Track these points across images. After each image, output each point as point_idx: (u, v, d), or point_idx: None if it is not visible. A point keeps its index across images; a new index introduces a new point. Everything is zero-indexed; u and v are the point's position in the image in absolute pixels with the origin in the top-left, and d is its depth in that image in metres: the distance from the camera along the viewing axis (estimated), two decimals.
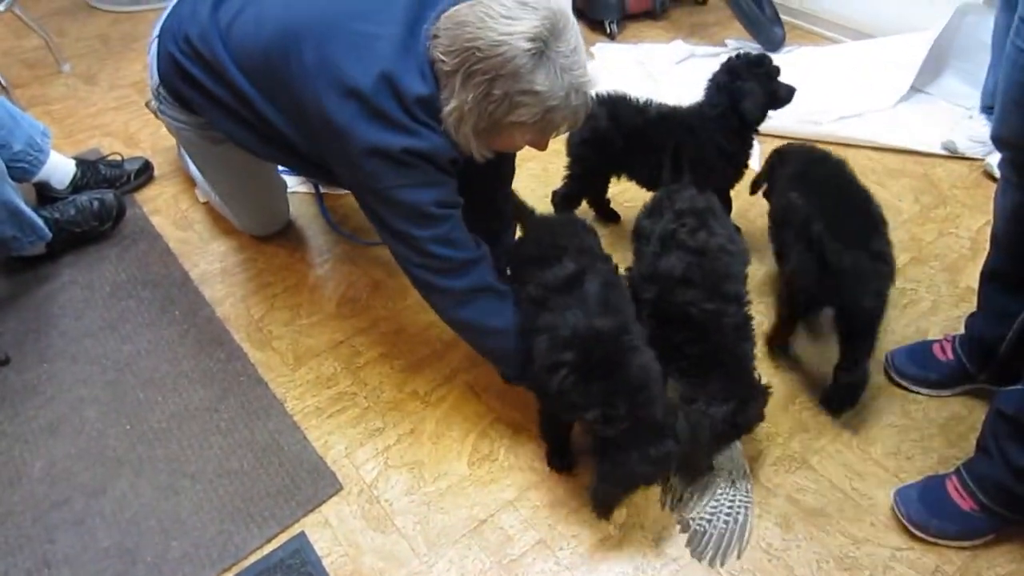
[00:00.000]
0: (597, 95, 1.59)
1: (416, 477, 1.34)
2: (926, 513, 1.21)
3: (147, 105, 1.55)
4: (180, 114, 1.50)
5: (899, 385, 1.45)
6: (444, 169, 1.18)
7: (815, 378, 1.47)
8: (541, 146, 1.24)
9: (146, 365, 1.56)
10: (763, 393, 1.24)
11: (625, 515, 1.26)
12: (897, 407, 1.41)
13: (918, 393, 1.43)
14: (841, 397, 1.37)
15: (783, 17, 2.50)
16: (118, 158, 2.05)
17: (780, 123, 2.10)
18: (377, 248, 1.82)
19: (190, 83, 1.36)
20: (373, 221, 1.25)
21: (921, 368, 1.43)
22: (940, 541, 1.20)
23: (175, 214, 1.96)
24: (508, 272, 1.39)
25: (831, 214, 1.32)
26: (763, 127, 2.10)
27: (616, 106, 1.61)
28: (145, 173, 2.06)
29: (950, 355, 1.41)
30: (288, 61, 1.17)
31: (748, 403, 1.21)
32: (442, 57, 1.10)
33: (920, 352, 1.45)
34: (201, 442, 1.41)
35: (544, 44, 1.05)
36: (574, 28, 1.09)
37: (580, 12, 2.68)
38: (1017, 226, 1.21)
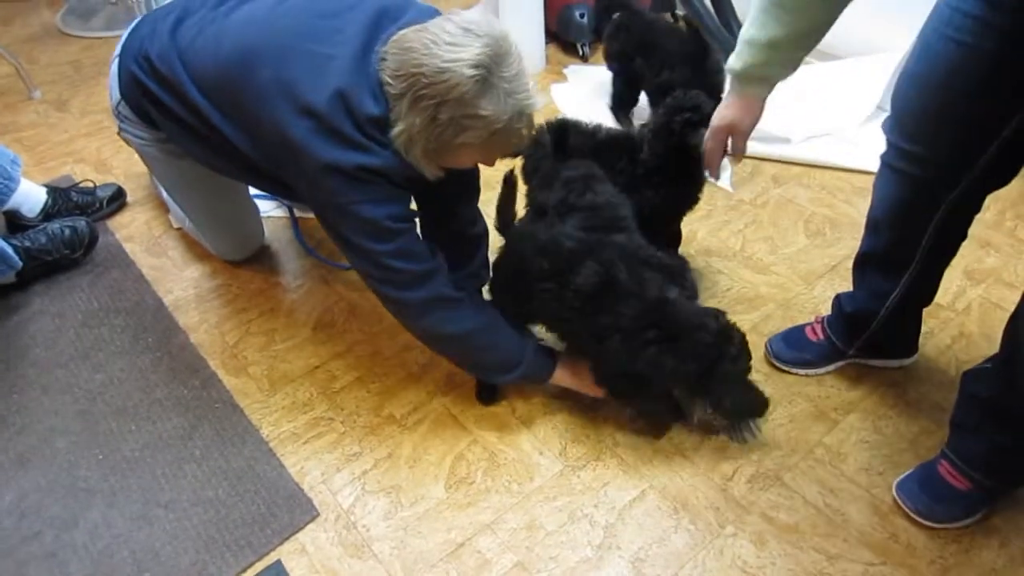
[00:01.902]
0: (547, 121, 1.65)
1: (393, 502, 1.34)
2: (931, 502, 1.25)
3: (119, 133, 1.56)
4: (141, 131, 1.52)
5: (779, 369, 1.53)
6: (399, 185, 1.21)
7: (787, 395, 1.49)
8: (489, 164, 1.29)
9: (118, 394, 1.54)
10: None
11: (602, 536, 1.27)
12: (869, 424, 1.43)
13: (796, 374, 1.52)
14: None
15: None
16: (90, 185, 2.03)
17: (750, 144, 2.14)
18: (353, 272, 1.82)
19: (150, 99, 1.39)
20: (333, 238, 1.28)
21: (796, 351, 1.52)
22: (949, 525, 1.25)
23: (148, 240, 1.95)
24: (494, 287, 1.41)
25: None
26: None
27: (565, 131, 1.65)
28: (118, 200, 2.05)
29: (821, 336, 1.50)
30: (245, 80, 1.19)
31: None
32: (390, 80, 1.13)
33: (794, 336, 1.54)
34: (175, 471, 1.40)
35: (487, 71, 1.08)
36: (516, 53, 1.12)
37: (553, 34, 2.72)
38: (895, 213, 1.25)
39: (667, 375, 1.26)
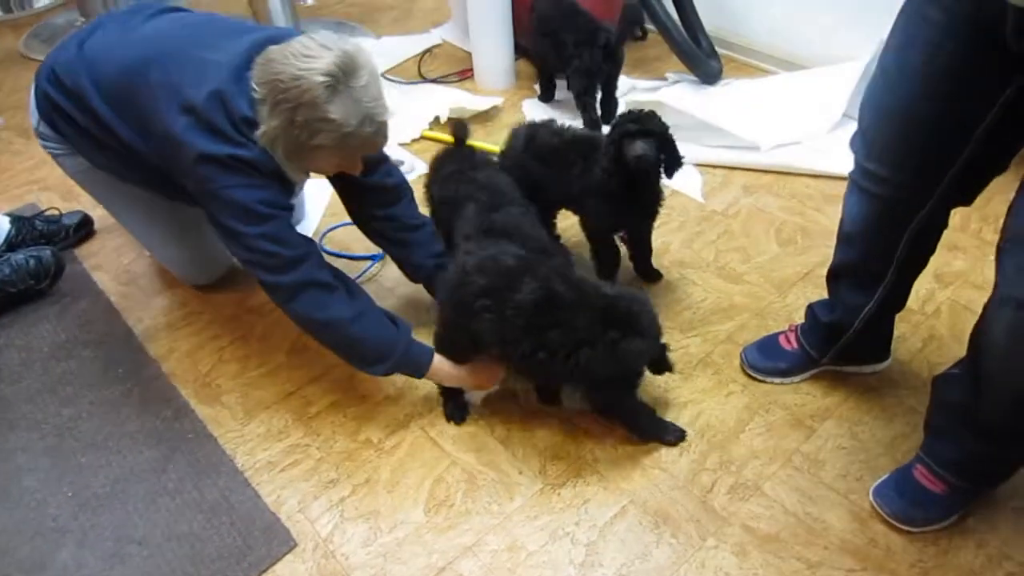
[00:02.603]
0: (521, 124, 1.75)
1: (372, 528, 1.32)
2: (909, 507, 1.26)
3: (52, 156, 1.60)
4: (62, 148, 1.56)
5: (752, 378, 1.54)
6: (269, 176, 1.30)
7: (764, 404, 1.49)
8: (352, 170, 1.39)
9: (88, 428, 1.51)
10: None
11: (584, 554, 1.26)
12: (846, 430, 1.44)
13: (771, 383, 1.53)
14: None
15: (719, 50, 2.58)
16: (56, 213, 2.00)
17: (718, 154, 2.17)
18: None
19: (60, 114, 1.46)
20: (215, 228, 1.35)
21: (770, 360, 1.54)
22: (926, 529, 1.26)
23: (117, 268, 1.92)
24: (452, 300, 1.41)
25: None
26: (704, 158, 2.18)
27: (536, 130, 1.71)
28: (85, 227, 2.02)
29: (795, 344, 1.52)
30: (141, 82, 1.31)
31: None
32: (255, 87, 1.25)
33: (768, 345, 1.55)
34: (148, 505, 1.37)
35: (336, 79, 1.19)
36: (368, 66, 1.25)
37: (523, 49, 2.72)
38: (865, 229, 1.26)
39: (642, 359, 1.33)
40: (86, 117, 1.41)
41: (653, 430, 1.43)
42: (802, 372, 1.52)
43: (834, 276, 1.41)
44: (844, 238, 1.34)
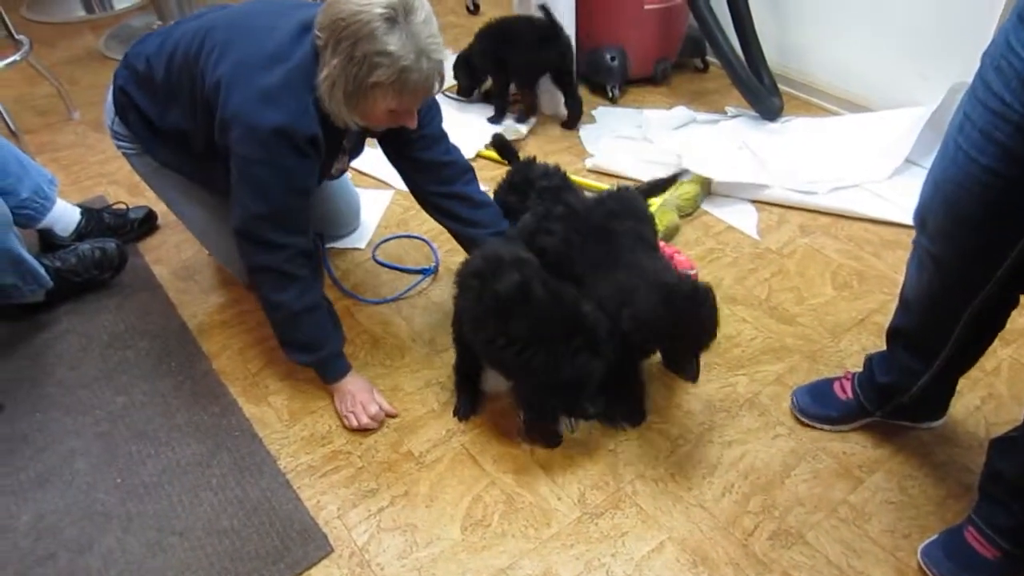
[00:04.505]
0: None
1: (409, 541, 1.32)
2: (958, 570, 1.22)
3: (123, 153, 1.69)
4: (133, 146, 1.63)
5: (802, 423, 1.50)
6: (301, 150, 1.33)
7: (812, 450, 1.46)
8: (408, 121, 1.41)
9: (139, 418, 1.55)
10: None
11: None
12: (895, 484, 1.40)
13: (819, 430, 1.49)
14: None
15: (782, 87, 2.56)
16: (123, 207, 2.07)
17: (777, 193, 2.15)
18: (377, 306, 1.84)
19: (132, 107, 1.54)
20: (231, 188, 1.39)
21: (822, 407, 1.49)
22: None
23: (177, 264, 1.97)
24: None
25: None
26: (761, 196, 2.16)
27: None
28: (148, 222, 2.08)
29: (849, 394, 1.47)
30: (200, 48, 1.37)
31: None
32: (319, 34, 1.29)
33: (822, 391, 1.51)
34: (191, 498, 1.40)
35: (395, 12, 1.24)
36: (425, 7, 1.28)
37: (584, 76, 2.75)
38: (924, 301, 1.23)
39: (594, 379, 1.34)
40: (152, 104, 1.50)
41: (543, 435, 1.48)
42: (853, 422, 1.48)
43: (893, 335, 1.37)
44: (904, 302, 1.31)
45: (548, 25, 2.35)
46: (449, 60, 2.53)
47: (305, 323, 1.48)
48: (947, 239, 1.11)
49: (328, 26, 1.26)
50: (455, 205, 1.61)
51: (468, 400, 1.55)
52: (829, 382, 1.52)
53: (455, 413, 1.55)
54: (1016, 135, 0.94)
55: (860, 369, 1.48)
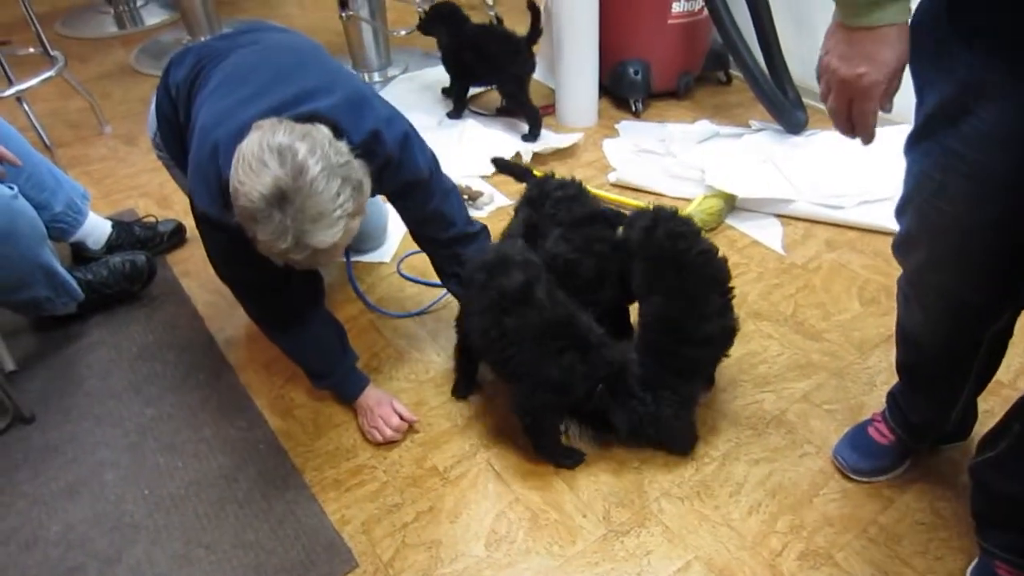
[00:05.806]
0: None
1: (433, 557, 1.32)
2: None
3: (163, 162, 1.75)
4: (172, 157, 1.67)
5: (858, 482, 1.42)
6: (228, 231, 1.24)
7: (838, 468, 1.44)
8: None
9: (167, 429, 1.57)
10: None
11: None
12: (926, 504, 1.38)
13: (877, 481, 1.42)
14: None
15: (806, 101, 2.55)
16: (152, 220, 2.10)
17: (802, 207, 2.13)
18: (402, 320, 1.84)
19: (166, 122, 1.58)
20: None
21: (874, 459, 1.42)
22: None
23: (205, 276, 2.00)
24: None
25: None
26: (786, 210, 2.15)
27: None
28: (177, 235, 2.11)
29: (890, 436, 1.41)
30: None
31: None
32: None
33: (862, 442, 1.44)
34: (218, 511, 1.41)
35: (269, 203, 1.10)
36: (305, 191, 1.10)
37: (606, 89, 2.75)
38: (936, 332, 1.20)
39: (579, 381, 1.36)
40: (181, 127, 1.51)
41: (550, 451, 1.48)
42: (904, 462, 1.43)
43: (902, 369, 1.35)
44: (901, 337, 1.29)
45: (512, 37, 2.44)
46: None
47: (310, 354, 1.54)
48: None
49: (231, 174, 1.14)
50: (445, 263, 1.60)
51: (467, 380, 1.63)
52: (862, 430, 1.45)
53: (454, 392, 1.62)
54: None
55: (884, 405, 1.44)
